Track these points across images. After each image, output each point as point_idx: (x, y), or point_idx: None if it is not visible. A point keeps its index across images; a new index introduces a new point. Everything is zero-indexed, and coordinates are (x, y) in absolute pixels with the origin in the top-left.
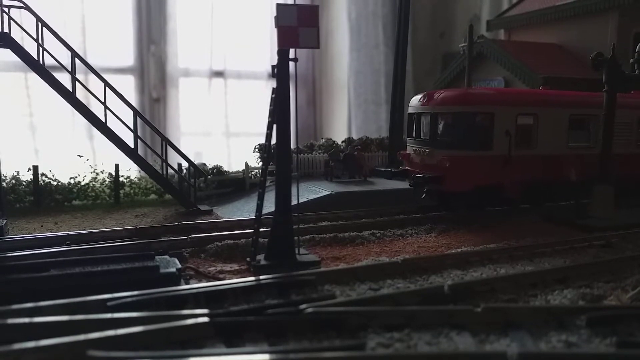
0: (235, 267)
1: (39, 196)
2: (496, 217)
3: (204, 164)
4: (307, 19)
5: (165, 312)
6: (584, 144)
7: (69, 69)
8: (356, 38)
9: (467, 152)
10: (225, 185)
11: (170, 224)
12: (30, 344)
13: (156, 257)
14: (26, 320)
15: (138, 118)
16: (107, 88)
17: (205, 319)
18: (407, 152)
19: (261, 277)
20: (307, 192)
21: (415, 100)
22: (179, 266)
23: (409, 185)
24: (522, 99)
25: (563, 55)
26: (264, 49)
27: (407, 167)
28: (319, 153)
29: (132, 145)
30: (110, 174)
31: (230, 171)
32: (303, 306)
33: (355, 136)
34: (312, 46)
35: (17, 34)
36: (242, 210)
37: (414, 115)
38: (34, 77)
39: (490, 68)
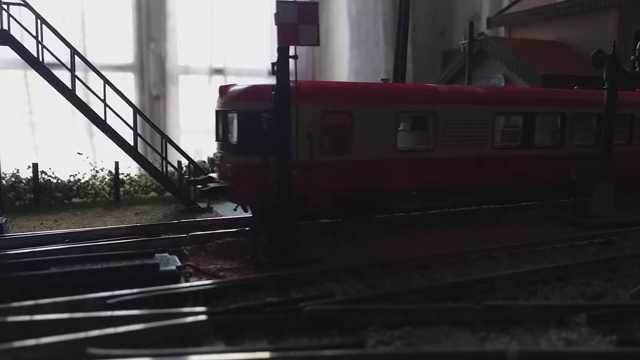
0: (235, 264)
1: (39, 194)
2: (496, 215)
3: (204, 162)
4: (307, 16)
5: (164, 309)
6: (421, 146)
7: (69, 67)
8: (356, 35)
9: (254, 158)
10: None
11: (170, 221)
12: (31, 342)
13: (156, 254)
14: (26, 318)
15: (138, 116)
16: (106, 85)
17: (205, 317)
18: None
19: (261, 274)
20: None
21: (217, 95)
22: (179, 264)
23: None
24: (330, 95)
25: (563, 53)
26: (264, 46)
27: (211, 174)
28: None
29: (132, 143)
30: (110, 172)
31: None
32: (303, 304)
33: None
34: (312, 43)
35: (16, 32)
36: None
37: (215, 112)
38: (33, 74)
39: (490, 66)
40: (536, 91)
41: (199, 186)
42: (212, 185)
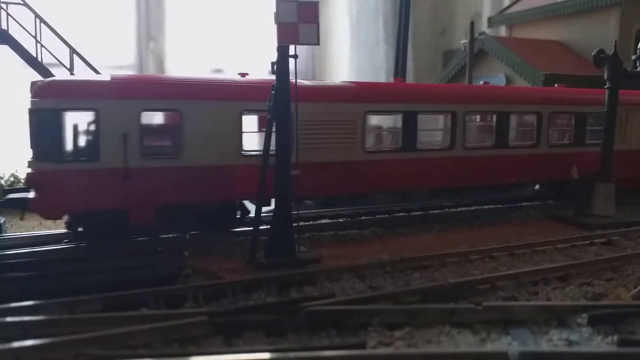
0: (235, 265)
1: None
2: (497, 215)
3: None
4: (307, 15)
5: (164, 310)
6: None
7: (68, 66)
8: (357, 35)
9: (52, 164)
10: None
11: None
12: (29, 342)
13: (155, 255)
14: (25, 318)
15: None
16: None
17: (205, 318)
18: None
19: (260, 275)
20: None
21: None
22: (178, 264)
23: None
24: (152, 90)
25: (564, 52)
26: (263, 46)
27: None
28: None
29: None
30: None
31: None
32: (303, 304)
33: None
34: (312, 43)
35: (15, 31)
36: None
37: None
38: (32, 74)
39: (491, 65)
40: (420, 87)
41: None
42: (11, 196)
